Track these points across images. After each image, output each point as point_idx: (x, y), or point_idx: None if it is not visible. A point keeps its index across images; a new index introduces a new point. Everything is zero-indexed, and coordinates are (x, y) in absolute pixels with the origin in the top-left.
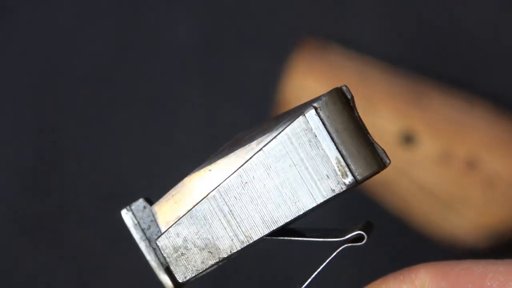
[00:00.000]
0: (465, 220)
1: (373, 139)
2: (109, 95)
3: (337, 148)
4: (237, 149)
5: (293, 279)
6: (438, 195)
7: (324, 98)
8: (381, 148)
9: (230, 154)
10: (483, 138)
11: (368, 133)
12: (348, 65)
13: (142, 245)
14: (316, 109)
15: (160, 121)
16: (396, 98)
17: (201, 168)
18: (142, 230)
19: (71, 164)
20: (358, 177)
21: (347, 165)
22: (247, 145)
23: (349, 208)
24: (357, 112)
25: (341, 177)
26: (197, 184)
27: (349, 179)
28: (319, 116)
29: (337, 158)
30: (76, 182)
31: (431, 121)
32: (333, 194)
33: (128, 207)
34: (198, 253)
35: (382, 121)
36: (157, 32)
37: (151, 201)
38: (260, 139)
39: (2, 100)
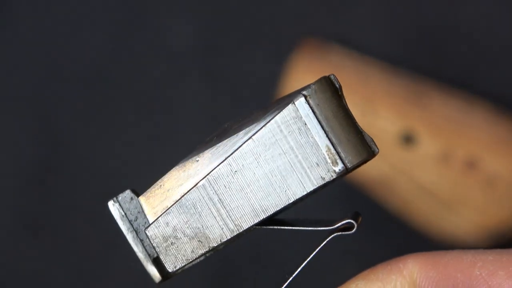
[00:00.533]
0: (465, 220)
1: (361, 128)
2: (109, 95)
3: (327, 135)
4: (225, 139)
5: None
6: (438, 195)
7: (313, 86)
8: (370, 137)
9: (218, 144)
10: (483, 138)
11: (356, 122)
12: (348, 65)
13: (129, 237)
14: (305, 97)
15: (161, 121)
16: (396, 98)
17: (188, 159)
18: (129, 221)
19: (71, 164)
20: (348, 164)
21: (337, 153)
22: (235, 135)
23: (348, 208)
24: (345, 101)
25: (331, 165)
26: (184, 175)
27: (339, 167)
28: (309, 104)
29: (327, 146)
30: (76, 182)
31: (431, 121)
32: (323, 182)
33: (115, 199)
34: (188, 242)
35: (382, 121)
36: (157, 32)
37: (137, 193)
38: (248, 128)
39: (2, 100)
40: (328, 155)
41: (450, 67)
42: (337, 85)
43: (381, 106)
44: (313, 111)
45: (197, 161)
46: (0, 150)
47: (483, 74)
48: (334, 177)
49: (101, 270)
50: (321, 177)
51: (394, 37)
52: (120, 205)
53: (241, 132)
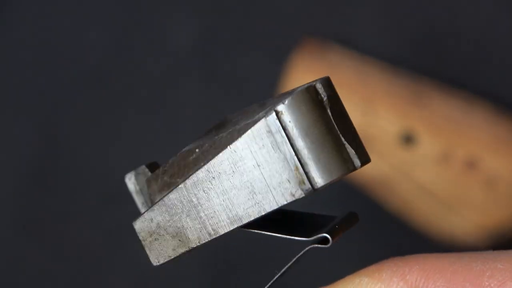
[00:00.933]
0: (465, 220)
1: (344, 140)
2: (109, 95)
3: (297, 155)
4: (222, 133)
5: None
6: (438, 195)
7: (287, 101)
8: (353, 149)
9: (216, 138)
10: (483, 138)
11: (341, 133)
12: (348, 65)
13: (143, 211)
14: (277, 113)
15: (161, 121)
16: (396, 98)
17: (190, 148)
18: (143, 196)
19: (71, 164)
20: (317, 185)
21: (306, 173)
22: (230, 130)
23: (348, 208)
24: (333, 110)
25: (298, 184)
26: (183, 163)
27: (306, 187)
28: (280, 120)
29: (295, 165)
30: (76, 182)
31: (431, 121)
32: (294, 199)
33: (131, 173)
34: (170, 240)
35: (382, 121)
36: (157, 32)
37: (157, 165)
38: (242, 125)
39: (2, 100)
40: (296, 174)
41: (450, 67)
42: (322, 95)
43: (381, 106)
44: (284, 128)
45: (196, 151)
46: (0, 150)
47: (483, 74)
48: (303, 195)
49: (101, 270)
50: (291, 193)
51: (394, 37)
52: (135, 179)
53: (235, 128)
